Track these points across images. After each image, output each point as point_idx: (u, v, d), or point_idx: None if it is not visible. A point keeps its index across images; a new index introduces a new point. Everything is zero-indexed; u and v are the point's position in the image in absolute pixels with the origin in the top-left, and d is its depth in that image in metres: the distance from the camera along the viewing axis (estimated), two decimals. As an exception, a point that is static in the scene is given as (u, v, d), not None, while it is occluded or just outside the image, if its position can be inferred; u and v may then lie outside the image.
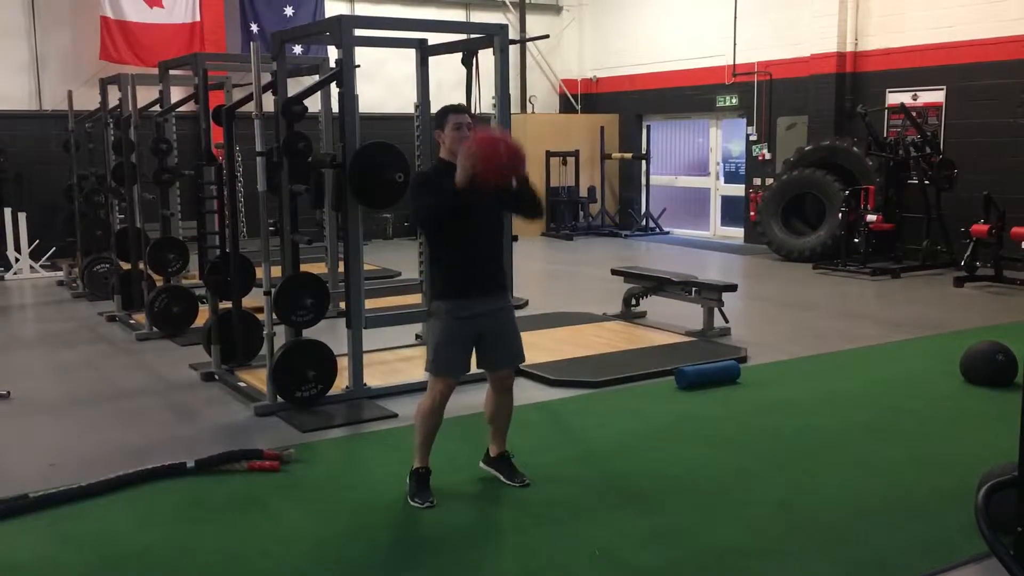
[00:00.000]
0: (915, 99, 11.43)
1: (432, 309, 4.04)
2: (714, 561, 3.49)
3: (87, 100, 10.23)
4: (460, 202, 3.73)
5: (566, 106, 16.36)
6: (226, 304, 6.17)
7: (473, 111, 6.28)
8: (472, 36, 6.26)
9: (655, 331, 7.45)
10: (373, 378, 5.77)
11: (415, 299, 7.19)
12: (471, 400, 5.02)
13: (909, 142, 11.11)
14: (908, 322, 7.92)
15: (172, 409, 5.64)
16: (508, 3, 15.46)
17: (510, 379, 4.16)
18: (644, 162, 15.39)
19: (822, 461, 4.56)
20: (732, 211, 14.45)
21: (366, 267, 6.77)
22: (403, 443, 4.56)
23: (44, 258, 11.18)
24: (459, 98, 6.23)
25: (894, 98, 11.60)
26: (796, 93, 12.69)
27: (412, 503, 3.95)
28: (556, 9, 16.22)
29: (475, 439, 4.48)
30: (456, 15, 14.96)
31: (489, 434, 4.27)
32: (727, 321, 7.36)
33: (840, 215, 10.84)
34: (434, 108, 6.33)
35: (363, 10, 13.83)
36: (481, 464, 4.29)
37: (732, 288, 7.47)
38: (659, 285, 7.84)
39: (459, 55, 6.24)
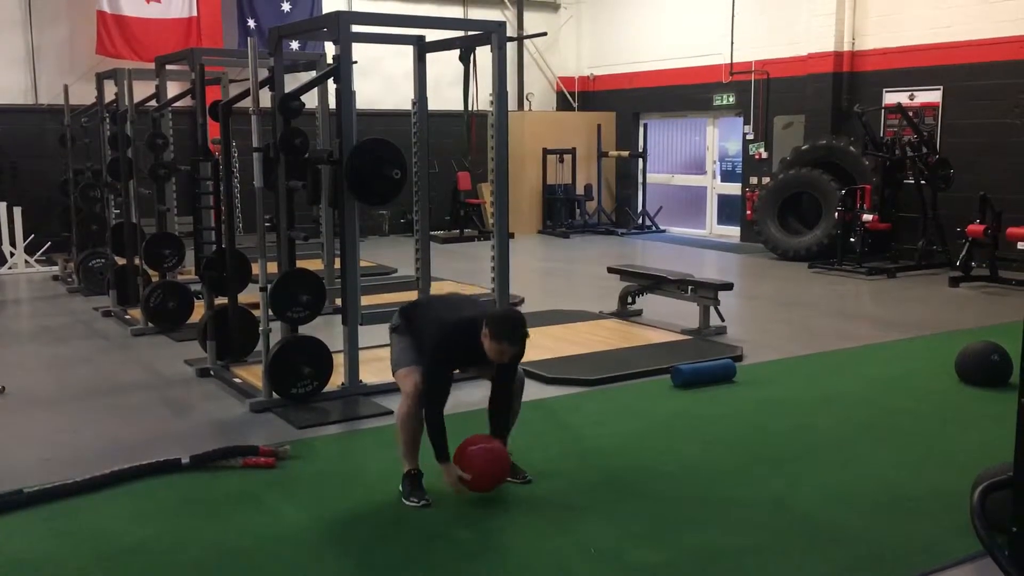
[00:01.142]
0: (912, 99, 11.45)
1: (394, 324, 4.29)
2: (709, 559, 3.49)
3: (83, 94, 10.21)
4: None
5: (563, 103, 16.36)
6: (222, 300, 6.16)
7: (471, 108, 6.30)
8: (470, 33, 6.25)
9: (651, 329, 7.46)
10: (369, 375, 5.77)
11: (411, 296, 7.17)
12: (468, 397, 5.03)
13: (906, 142, 11.12)
14: (903, 322, 7.93)
15: (167, 405, 5.63)
16: (506, 0, 15.45)
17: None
18: (641, 160, 15.39)
19: (817, 460, 4.57)
20: (728, 210, 14.46)
21: (362, 264, 6.77)
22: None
23: (39, 253, 11.16)
24: (457, 95, 6.25)
25: (891, 98, 11.62)
26: (793, 92, 12.69)
27: (407, 503, 3.95)
28: (554, 6, 16.22)
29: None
30: (454, 12, 14.95)
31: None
32: (723, 320, 7.36)
33: (836, 214, 10.85)
34: (431, 105, 6.39)
35: (360, 6, 13.81)
36: None
37: (728, 287, 7.47)
38: (655, 283, 7.84)
39: (457, 52, 6.23)
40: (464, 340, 3.93)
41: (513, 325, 3.89)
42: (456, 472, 3.90)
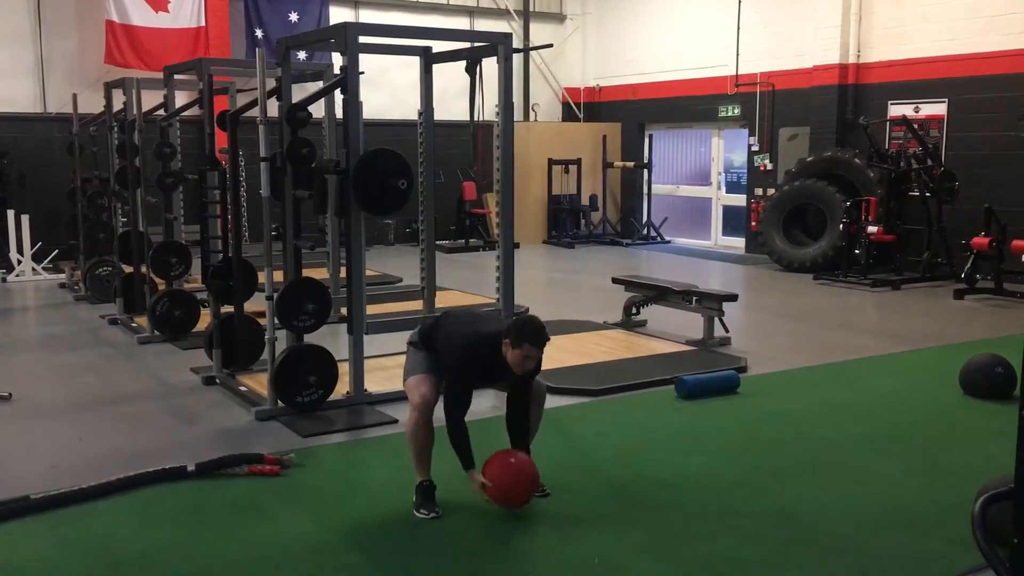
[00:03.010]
0: (917, 111, 11.46)
1: (412, 339, 4.27)
2: (712, 571, 3.50)
3: (92, 104, 10.27)
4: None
5: (569, 114, 16.40)
6: (228, 308, 6.19)
7: (477, 119, 6.32)
8: (476, 44, 6.29)
9: (655, 340, 7.47)
10: (374, 384, 5.79)
11: (416, 305, 7.19)
12: (478, 407, 5.03)
13: (911, 154, 11.13)
14: (908, 334, 7.93)
15: (173, 413, 5.65)
16: (512, 12, 15.51)
17: (534, 390, 4.18)
18: (646, 171, 15.42)
19: (821, 472, 4.57)
20: (733, 221, 14.46)
21: (368, 273, 6.79)
22: (403, 449, 4.55)
23: (46, 260, 11.21)
24: (463, 106, 6.27)
25: (896, 110, 11.63)
26: (798, 104, 12.71)
27: (418, 514, 3.95)
28: (560, 18, 16.27)
29: (481, 446, 4.48)
30: (460, 23, 15.01)
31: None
32: (727, 331, 7.37)
33: (841, 226, 10.86)
34: (437, 115, 6.42)
35: (368, 17, 13.88)
36: None
37: (732, 298, 7.48)
38: (660, 294, 7.85)
39: (463, 63, 6.27)
40: (485, 353, 3.93)
41: (534, 329, 3.90)
42: (480, 480, 3.90)
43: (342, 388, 5.65)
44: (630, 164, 15.37)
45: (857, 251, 10.76)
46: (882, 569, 3.50)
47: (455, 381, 3.95)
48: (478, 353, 3.94)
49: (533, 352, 3.87)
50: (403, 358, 6.55)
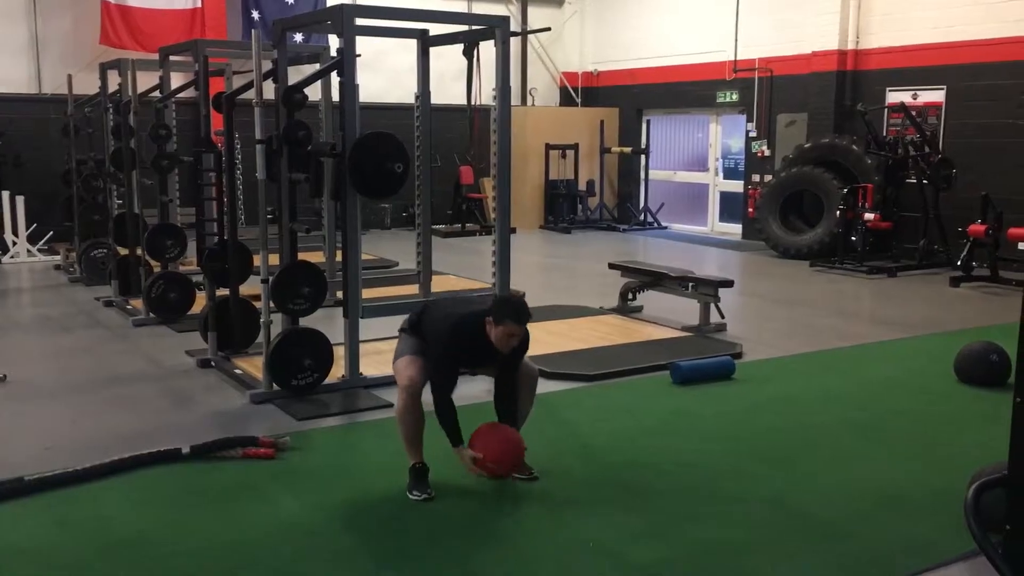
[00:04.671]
0: (915, 98, 11.44)
1: (403, 326, 4.27)
2: (707, 556, 3.51)
3: (87, 85, 10.20)
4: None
5: (566, 99, 16.35)
6: (223, 291, 6.17)
7: (474, 103, 6.30)
8: (473, 27, 6.26)
9: (651, 325, 7.47)
10: (369, 367, 5.79)
11: (412, 289, 7.19)
12: (470, 391, 5.04)
13: (908, 141, 11.12)
14: (903, 321, 7.94)
15: (168, 395, 5.65)
16: (510, -5, 15.45)
17: (529, 374, 4.21)
18: (643, 157, 15.39)
19: (815, 458, 4.59)
20: (730, 207, 14.46)
21: (364, 257, 6.78)
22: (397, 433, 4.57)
23: (41, 242, 11.19)
24: (460, 90, 6.24)
25: (894, 97, 11.61)
26: (796, 90, 12.69)
27: (411, 496, 3.96)
28: (558, 2, 16.19)
29: (472, 429, 4.49)
30: (458, 6, 14.92)
31: None
32: (723, 317, 7.37)
33: (838, 213, 10.85)
34: (434, 99, 6.40)
35: (364, -1, 13.80)
36: None
37: (728, 284, 7.49)
38: (656, 280, 7.85)
39: (460, 46, 6.23)
40: (469, 332, 3.97)
41: (515, 306, 3.94)
42: (469, 454, 3.95)
43: (337, 371, 5.65)
44: (627, 149, 15.35)
45: (853, 238, 10.76)
46: (875, 554, 3.51)
47: (440, 359, 3.99)
48: (463, 333, 3.98)
49: (515, 329, 3.90)
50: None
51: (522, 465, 4.16)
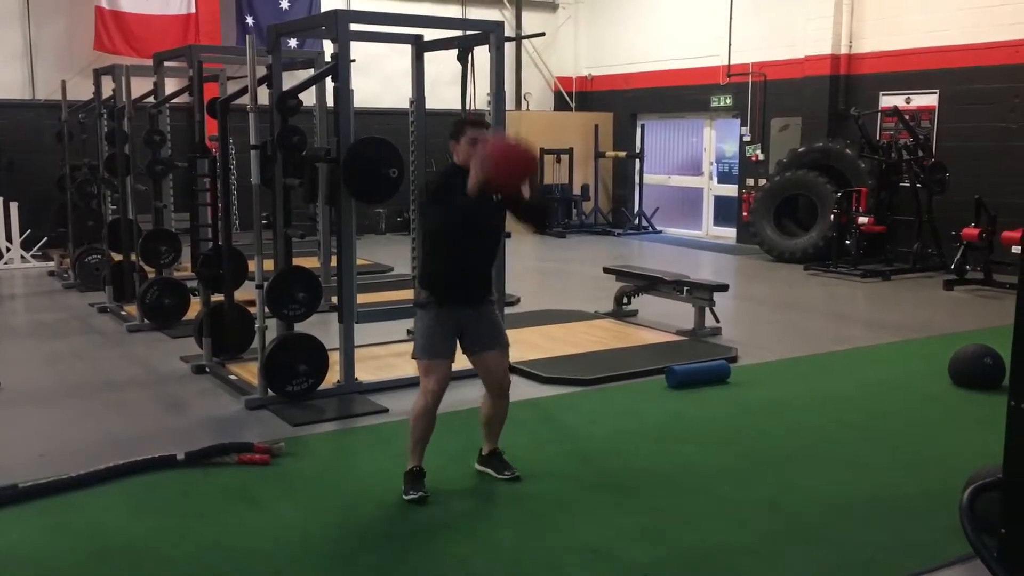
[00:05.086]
0: (908, 102, 11.48)
1: (418, 299, 4.12)
2: (702, 559, 3.51)
3: (81, 90, 10.20)
4: (468, 216, 3.81)
5: (561, 104, 16.37)
6: (218, 297, 6.17)
7: (468, 107, 6.30)
8: (468, 32, 6.27)
9: (646, 330, 7.48)
10: (364, 373, 5.78)
11: (407, 294, 7.18)
12: (465, 396, 5.04)
13: (902, 145, 11.15)
14: (898, 324, 7.96)
15: (162, 401, 5.64)
16: (504, 0, 15.46)
17: (506, 380, 4.16)
18: (638, 161, 15.41)
19: (810, 461, 4.59)
20: (725, 211, 14.48)
21: (359, 262, 6.77)
22: (394, 438, 4.57)
23: (35, 248, 11.16)
24: (455, 95, 6.25)
25: (887, 101, 11.64)
26: (790, 94, 12.72)
27: (406, 497, 3.96)
28: (552, 6, 16.23)
29: (469, 434, 4.50)
30: (452, 11, 14.94)
31: (482, 434, 4.28)
32: (718, 321, 7.38)
33: (832, 217, 10.88)
34: (429, 104, 6.40)
35: (359, 4, 13.79)
36: (476, 465, 4.30)
37: (723, 288, 7.50)
38: (651, 284, 7.86)
39: (455, 51, 6.24)
40: (441, 172, 4.08)
41: (463, 118, 4.10)
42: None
43: (332, 377, 5.64)
44: (622, 154, 15.36)
45: (848, 242, 10.78)
46: (871, 558, 3.51)
47: (422, 206, 4.26)
48: (434, 175, 4.16)
49: (476, 132, 3.90)
50: (393, 347, 6.63)
51: (501, 468, 4.16)
